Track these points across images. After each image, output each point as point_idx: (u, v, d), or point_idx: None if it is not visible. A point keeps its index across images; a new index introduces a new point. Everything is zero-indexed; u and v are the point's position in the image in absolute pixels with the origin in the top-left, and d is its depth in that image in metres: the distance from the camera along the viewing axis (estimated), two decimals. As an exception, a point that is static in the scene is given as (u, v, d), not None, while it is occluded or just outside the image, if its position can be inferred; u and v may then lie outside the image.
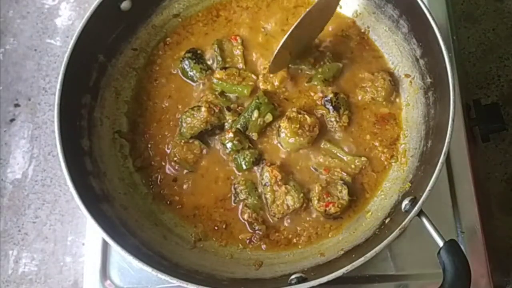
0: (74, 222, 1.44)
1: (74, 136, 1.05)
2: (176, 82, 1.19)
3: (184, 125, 1.12)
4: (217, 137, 1.13)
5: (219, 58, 1.19)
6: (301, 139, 1.09)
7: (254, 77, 1.17)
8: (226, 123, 1.13)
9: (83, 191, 0.97)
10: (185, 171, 1.12)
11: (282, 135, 1.10)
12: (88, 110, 1.11)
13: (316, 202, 1.06)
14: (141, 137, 1.16)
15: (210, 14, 1.24)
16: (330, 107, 1.12)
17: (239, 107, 1.14)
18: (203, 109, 1.11)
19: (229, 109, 1.13)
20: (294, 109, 1.11)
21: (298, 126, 1.09)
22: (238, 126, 1.11)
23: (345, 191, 1.06)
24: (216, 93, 1.15)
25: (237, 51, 1.20)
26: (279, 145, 1.12)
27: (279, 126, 1.11)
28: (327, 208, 1.05)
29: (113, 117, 1.16)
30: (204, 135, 1.13)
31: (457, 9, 1.58)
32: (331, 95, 1.13)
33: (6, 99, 1.56)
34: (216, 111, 1.12)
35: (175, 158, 1.12)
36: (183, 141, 1.12)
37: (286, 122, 1.09)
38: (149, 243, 1.01)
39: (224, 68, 1.18)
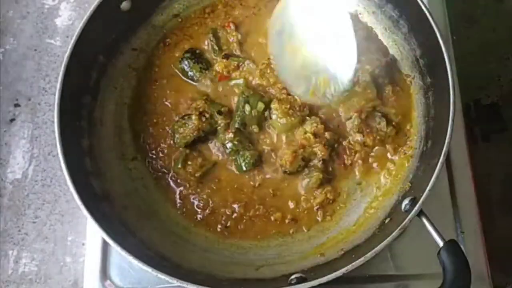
0: (74, 222, 1.44)
1: (74, 136, 1.05)
2: (176, 82, 1.19)
3: (177, 135, 1.12)
4: (211, 142, 1.14)
5: (216, 47, 1.19)
6: (292, 119, 1.09)
7: (252, 65, 1.16)
8: (218, 128, 1.13)
9: (83, 191, 0.97)
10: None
11: (274, 116, 1.10)
12: (88, 110, 1.11)
13: (356, 134, 1.09)
14: (141, 137, 1.16)
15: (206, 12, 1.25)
16: None
17: (230, 110, 1.14)
18: (193, 117, 1.11)
19: (220, 113, 1.13)
20: (284, 91, 1.12)
21: (288, 106, 1.09)
22: (237, 125, 1.11)
23: (383, 123, 1.08)
24: (205, 98, 1.15)
25: (232, 38, 1.20)
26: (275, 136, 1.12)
27: (270, 109, 1.11)
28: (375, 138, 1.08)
29: (113, 117, 1.16)
30: (198, 143, 1.13)
31: (457, 9, 1.57)
32: None
33: (6, 99, 1.56)
34: (207, 117, 1.12)
35: (180, 180, 1.12)
36: (180, 165, 1.11)
37: (277, 103, 1.09)
38: (149, 243, 1.01)
39: (226, 57, 1.18)
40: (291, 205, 1.10)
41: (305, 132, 1.09)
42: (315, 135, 1.08)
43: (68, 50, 1.04)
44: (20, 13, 1.65)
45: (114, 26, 1.14)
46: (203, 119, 1.12)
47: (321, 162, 1.09)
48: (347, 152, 1.10)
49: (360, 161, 1.10)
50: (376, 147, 1.10)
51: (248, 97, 1.12)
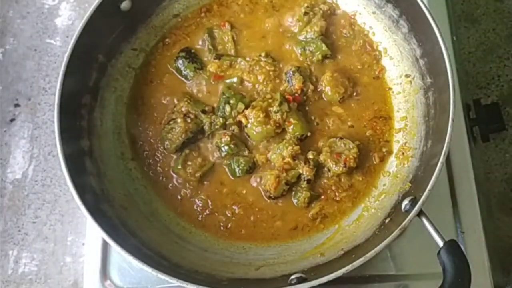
0: (74, 222, 1.44)
1: (74, 136, 1.05)
2: (173, 81, 1.19)
3: (167, 142, 1.12)
4: (210, 143, 1.13)
5: (210, 47, 1.19)
6: (268, 127, 1.08)
7: (244, 64, 1.16)
8: (204, 126, 1.13)
9: (83, 191, 0.97)
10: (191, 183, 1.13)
11: (249, 125, 1.09)
12: (88, 110, 1.11)
13: (334, 166, 1.07)
14: (141, 136, 1.16)
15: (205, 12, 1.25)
16: None
17: (214, 108, 1.15)
18: (179, 120, 1.11)
19: (204, 112, 1.13)
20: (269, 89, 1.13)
21: (264, 114, 1.08)
22: (218, 126, 1.11)
23: (347, 143, 1.08)
24: (187, 98, 1.15)
25: (227, 38, 1.20)
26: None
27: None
28: (346, 164, 1.06)
29: (113, 117, 1.16)
30: (188, 145, 1.12)
31: (457, 9, 1.58)
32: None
33: (6, 99, 1.57)
34: (192, 117, 1.12)
35: (180, 180, 1.12)
36: (180, 165, 1.11)
37: (253, 111, 1.08)
38: (149, 243, 1.01)
39: (218, 57, 1.18)
40: (290, 214, 1.09)
41: (283, 158, 1.08)
42: (293, 157, 1.08)
43: (68, 50, 1.04)
44: (20, 13, 1.66)
45: (114, 26, 1.14)
46: (189, 120, 1.12)
47: (306, 182, 1.08)
48: (333, 187, 1.10)
49: (347, 193, 1.10)
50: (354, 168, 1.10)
51: (229, 98, 1.13)
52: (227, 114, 1.12)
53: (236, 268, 1.03)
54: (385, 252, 1.12)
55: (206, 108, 1.14)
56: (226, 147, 1.10)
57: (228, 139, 1.10)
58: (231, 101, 1.12)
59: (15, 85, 1.58)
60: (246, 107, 1.11)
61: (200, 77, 1.18)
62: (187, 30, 1.23)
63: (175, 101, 1.17)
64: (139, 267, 0.91)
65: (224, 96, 1.13)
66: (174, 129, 1.12)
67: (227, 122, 1.12)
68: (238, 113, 1.11)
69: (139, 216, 1.08)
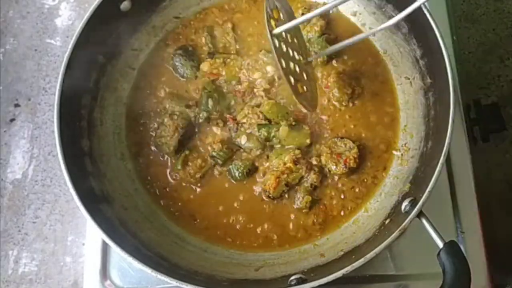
0: (74, 222, 1.45)
1: (74, 136, 1.05)
2: (173, 81, 1.19)
3: (164, 146, 1.12)
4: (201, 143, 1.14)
5: (210, 45, 1.20)
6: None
7: (238, 60, 1.17)
8: (192, 119, 1.13)
9: (83, 191, 0.97)
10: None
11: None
12: (88, 110, 1.11)
13: (334, 167, 1.07)
14: (140, 137, 1.16)
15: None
16: None
17: (197, 102, 1.15)
18: (165, 120, 1.12)
19: (188, 106, 1.14)
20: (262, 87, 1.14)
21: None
22: (202, 120, 1.12)
23: (348, 143, 1.08)
24: (169, 96, 1.15)
25: (227, 37, 1.20)
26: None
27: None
28: (347, 164, 1.07)
29: (113, 117, 1.16)
30: (186, 143, 1.12)
31: (457, 9, 1.58)
32: None
33: (6, 99, 1.57)
34: (178, 114, 1.12)
35: (183, 184, 1.12)
36: (179, 166, 1.11)
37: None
38: (148, 244, 1.02)
39: (211, 56, 1.18)
40: (290, 215, 1.09)
41: (285, 163, 1.08)
42: (295, 162, 1.08)
43: (68, 50, 1.04)
44: (20, 13, 1.66)
45: (114, 26, 1.14)
46: (175, 117, 1.12)
47: (311, 187, 1.08)
48: (333, 189, 1.10)
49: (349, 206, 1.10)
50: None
51: (210, 92, 1.13)
52: (211, 107, 1.12)
53: (235, 269, 1.04)
54: (385, 253, 1.12)
55: (190, 103, 1.14)
56: (221, 153, 1.10)
57: (220, 146, 1.10)
58: (213, 96, 1.12)
59: (15, 85, 1.58)
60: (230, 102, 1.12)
61: (196, 75, 1.18)
62: (187, 30, 1.23)
63: (159, 102, 1.16)
64: (139, 267, 0.91)
65: (205, 91, 1.13)
66: (164, 131, 1.12)
67: (211, 117, 1.12)
68: (222, 108, 1.12)
69: (139, 216, 1.08)
